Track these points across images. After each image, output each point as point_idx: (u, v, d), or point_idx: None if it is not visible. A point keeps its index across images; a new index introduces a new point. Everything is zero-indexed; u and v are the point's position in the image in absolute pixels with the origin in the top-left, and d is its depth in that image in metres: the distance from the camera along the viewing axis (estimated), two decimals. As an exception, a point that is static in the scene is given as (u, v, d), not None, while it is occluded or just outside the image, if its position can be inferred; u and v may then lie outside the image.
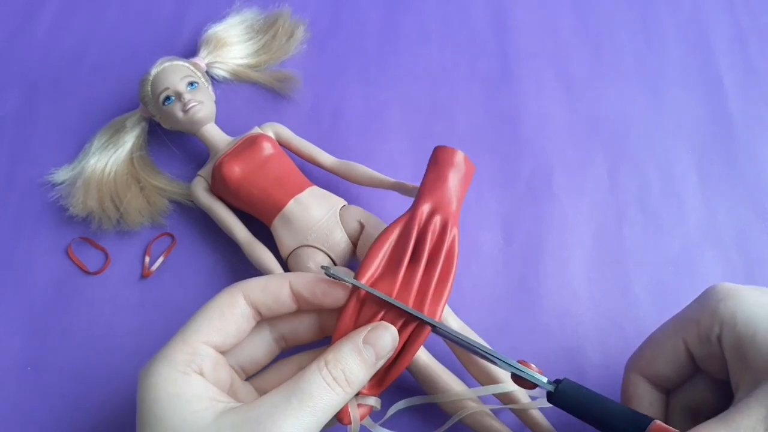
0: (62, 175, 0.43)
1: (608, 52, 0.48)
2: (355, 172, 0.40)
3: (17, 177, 0.44)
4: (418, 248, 0.31)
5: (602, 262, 0.41)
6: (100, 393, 0.37)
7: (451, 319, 0.36)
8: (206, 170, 0.41)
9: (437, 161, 0.34)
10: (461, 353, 0.35)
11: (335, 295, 0.29)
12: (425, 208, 0.32)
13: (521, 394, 0.34)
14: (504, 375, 0.34)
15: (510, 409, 0.34)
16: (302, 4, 0.50)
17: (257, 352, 0.30)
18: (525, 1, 0.51)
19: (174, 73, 0.41)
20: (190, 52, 0.47)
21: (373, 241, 0.32)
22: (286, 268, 0.38)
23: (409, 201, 0.40)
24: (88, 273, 0.41)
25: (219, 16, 0.48)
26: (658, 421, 0.27)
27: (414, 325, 0.29)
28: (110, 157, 0.42)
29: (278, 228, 0.38)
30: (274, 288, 0.29)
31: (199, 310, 0.28)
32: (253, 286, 0.29)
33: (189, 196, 0.42)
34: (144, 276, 0.40)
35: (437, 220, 0.32)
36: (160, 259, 0.41)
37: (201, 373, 0.27)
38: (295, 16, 0.49)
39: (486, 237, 0.41)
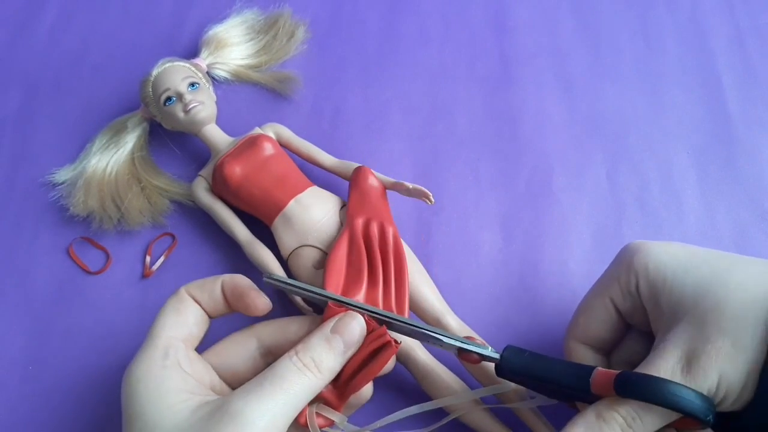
0: (63, 175, 0.43)
1: (608, 52, 0.48)
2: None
3: (18, 177, 0.44)
4: (370, 254, 0.35)
5: (602, 261, 0.40)
6: (101, 393, 0.37)
7: (450, 318, 0.36)
8: (207, 170, 0.41)
9: (357, 180, 0.39)
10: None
11: (254, 302, 0.30)
12: (360, 221, 0.36)
13: (522, 395, 0.34)
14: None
15: (512, 408, 0.34)
16: (303, 5, 0.50)
17: (240, 363, 0.30)
18: (525, 1, 0.51)
19: (175, 74, 0.41)
20: (191, 52, 0.47)
21: (327, 261, 0.35)
22: (287, 267, 0.38)
23: (410, 200, 0.40)
24: (89, 273, 0.41)
25: (220, 17, 0.48)
26: (599, 368, 0.28)
27: (380, 341, 0.29)
28: (111, 158, 0.42)
29: (279, 228, 0.38)
30: (209, 286, 0.30)
31: (158, 314, 0.30)
32: (193, 284, 0.31)
33: (190, 196, 0.42)
34: (145, 276, 0.41)
35: (374, 225, 0.36)
36: (161, 259, 0.41)
37: (179, 365, 0.28)
38: (296, 17, 0.49)
39: (486, 237, 0.41)
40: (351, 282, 0.34)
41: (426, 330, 0.30)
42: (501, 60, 0.48)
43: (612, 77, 0.47)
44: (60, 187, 0.43)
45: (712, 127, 0.45)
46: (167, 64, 0.42)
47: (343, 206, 0.39)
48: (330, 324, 0.29)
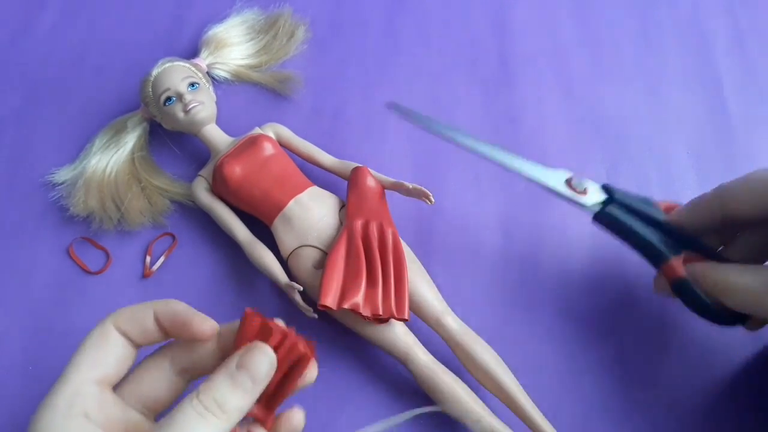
0: (63, 175, 0.43)
1: (608, 52, 0.48)
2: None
3: (18, 177, 0.44)
4: (368, 254, 0.35)
5: (602, 261, 0.41)
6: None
7: (450, 318, 0.36)
8: (207, 170, 0.41)
9: (355, 181, 0.39)
10: (461, 352, 0.35)
11: (200, 328, 0.27)
12: (359, 222, 0.36)
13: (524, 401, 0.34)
14: (507, 378, 0.34)
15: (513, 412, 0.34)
16: (303, 5, 0.50)
17: (159, 389, 0.28)
18: (525, 1, 0.51)
19: (175, 74, 0.41)
20: (191, 52, 0.47)
21: (326, 261, 0.35)
22: (287, 267, 0.38)
23: (410, 200, 0.40)
24: (89, 273, 0.41)
25: (220, 17, 0.48)
26: (673, 260, 0.33)
27: (294, 354, 0.27)
28: (111, 158, 0.42)
29: (279, 228, 0.38)
30: (140, 316, 0.28)
31: (77, 348, 0.27)
32: (121, 315, 0.28)
33: (190, 197, 0.42)
34: (145, 276, 0.41)
35: (373, 226, 0.36)
36: (161, 259, 0.41)
37: (86, 415, 0.26)
38: (296, 17, 0.49)
39: (486, 237, 0.41)
40: (349, 282, 0.35)
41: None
42: (501, 60, 0.48)
43: (612, 77, 0.47)
44: (60, 187, 0.43)
45: (711, 128, 0.45)
46: (167, 64, 0.42)
47: (343, 206, 0.39)
48: (234, 359, 0.26)
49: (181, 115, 0.41)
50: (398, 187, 0.39)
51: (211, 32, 0.46)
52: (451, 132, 0.38)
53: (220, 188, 0.40)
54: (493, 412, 0.34)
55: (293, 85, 0.46)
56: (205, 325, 0.27)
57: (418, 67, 0.48)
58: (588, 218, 0.35)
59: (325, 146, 0.42)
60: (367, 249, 0.36)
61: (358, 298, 0.34)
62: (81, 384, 0.26)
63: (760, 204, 0.31)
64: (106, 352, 0.27)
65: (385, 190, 0.40)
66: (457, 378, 0.35)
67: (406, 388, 0.37)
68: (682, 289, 0.33)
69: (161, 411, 0.28)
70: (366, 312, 0.34)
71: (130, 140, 0.43)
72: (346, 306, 0.34)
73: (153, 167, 0.43)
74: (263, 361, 0.25)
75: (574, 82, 0.47)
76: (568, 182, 0.36)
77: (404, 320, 0.34)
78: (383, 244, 0.36)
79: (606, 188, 0.36)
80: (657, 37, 0.49)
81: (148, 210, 0.41)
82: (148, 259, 0.41)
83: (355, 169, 0.39)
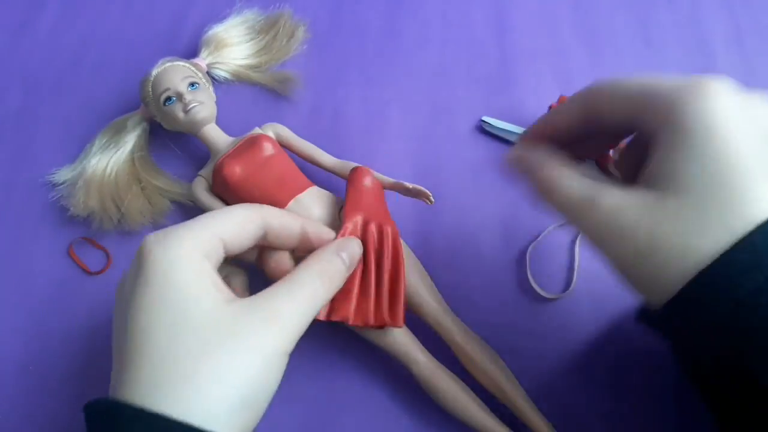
0: (63, 175, 0.43)
1: (607, 52, 0.48)
2: (355, 171, 0.41)
3: (18, 177, 0.44)
4: (364, 257, 0.35)
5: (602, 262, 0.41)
6: (101, 393, 0.37)
7: (450, 319, 0.36)
8: (207, 170, 0.41)
9: (353, 181, 0.38)
10: (461, 352, 0.35)
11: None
12: (358, 220, 0.36)
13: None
14: (504, 376, 0.34)
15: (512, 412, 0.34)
16: (303, 5, 0.50)
17: (246, 240, 0.30)
18: (525, 1, 0.51)
19: (175, 74, 0.41)
20: (191, 52, 0.47)
21: None
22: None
23: (410, 200, 0.40)
24: (89, 273, 0.41)
25: (220, 17, 0.48)
26: None
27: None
28: (111, 158, 0.42)
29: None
30: (288, 221, 0.31)
31: (221, 210, 0.30)
32: (273, 212, 0.31)
33: (190, 197, 0.42)
34: (145, 276, 0.40)
35: (372, 226, 0.35)
36: (161, 259, 0.41)
37: (215, 267, 0.28)
38: (296, 17, 0.49)
39: (486, 237, 0.41)
40: (340, 292, 0.33)
41: None
42: (501, 60, 0.48)
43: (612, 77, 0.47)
44: (60, 187, 0.43)
45: (712, 127, 0.45)
46: (167, 64, 0.42)
47: (342, 209, 0.39)
48: (336, 243, 0.32)
49: (181, 115, 0.41)
50: (398, 187, 0.39)
51: (211, 32, 0.46)
52: None
53: (220, 188, 0.40)
54: (492, 411, 0.34)
55: (293, 85, 0.46)
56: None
57: (418, 67, 0.48)
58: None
59: (325, 146, 0.42)
60: (363, 250, 0.35)
61: (349, 310, 0.33)
62: (217, 240, 0.28)
63: (625, 113, 0.27)
64: (242, 232, 0.29)
65: (385, 190, 0.40)
66: (457, 378, 0.35)
67: (407, 388, 0.37)
68: None
69: (232, 256, 0.30)
70: (357, 323, 0.33)
71: (130, 140, 0.43)
72: (334, 319, 0.33)
73: (153, 167, 0.43)
74: (356, 247, 0.33)
75: (574, 82, 0.47)
76: None
77: (398, 327, 0.34)
78: (381, 244, 0.35)
79: None
80: (657, 37, 0.49)
81: (148, 210, 0.42)
82: (148, 259, 0.41)
83: (354, 169, 0.39)
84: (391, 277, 0.35)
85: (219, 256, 0.29)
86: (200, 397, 0.24)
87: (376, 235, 0.35)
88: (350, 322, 0.33)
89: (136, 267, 0.27)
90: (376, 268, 0.35)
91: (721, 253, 0.23)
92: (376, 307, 0.34)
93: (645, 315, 0.28)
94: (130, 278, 0.27)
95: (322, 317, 0.33)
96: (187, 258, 0.26)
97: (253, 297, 0.27)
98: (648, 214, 0.24)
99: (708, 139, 0.24)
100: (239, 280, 0.32)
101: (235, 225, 0.29)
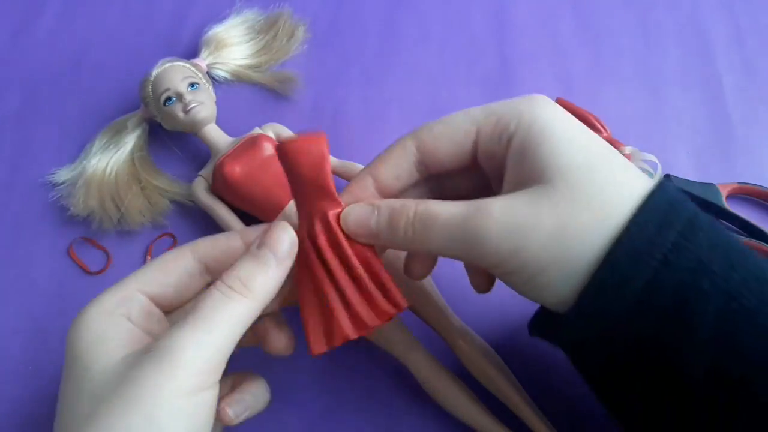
0: (63, 175, 0.43)
1: (607, 52, 0.48)
2: (355, 171, 0.40)
3: (18, 177, 0.44)
4: (327, 266, 0.28)
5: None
6: (101, 393, 0.37)
7: (450, 318, 0.36)
8: (207, 170, 0.41)
9: (287, 170, 0.28)
10: (461, 351, 0.35)
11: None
12: (303, 230, 0.28)
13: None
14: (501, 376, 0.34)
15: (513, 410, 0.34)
16: (303, 5, 0.50)
17: (182, 287, 0.28)
18: (525, 1, 0.51)
19: (175, 74, 0.41)
20: (191, 52, 0.47)
21: (299, 304, 0.29)
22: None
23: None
24: (89, 273, 0.41)
25: (220, 17, 0.48)
26: None
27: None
28: (111, 158, 0.42)
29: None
30: (225, 242, 0.28)
31: (150, 262, 0.28)
32: (203, 241, 0.28)
33: (190, 197, 0.42)
34: (145, 276, 0.40)
35: (316, 225, 0.28)
36: (161, 259, 0.41)
37: (129, 318, 0.26)
38: (296, 17, 0.49)
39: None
40: (326, 316, 0.28)
41: None
42: (501, 60, 0.48)
43: (612, 78, 0.47)
44: (60, 187, 0.43)
45: (711, 128, 0.45)
46: (167, 64, 0.42)
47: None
48: (256, 241, 0.26)
49: (181, 115, 0.41)
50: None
51: (211, 32, 0.46)
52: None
53: (220, 188, 0.40)
54: (492, 411, 0.34)
55: (293, 85, 0.46)
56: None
57: (418, 67, 0.48)
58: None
59: (325, 146, 0.42)
60: (322, 260, 0.28)
61: (344, 328, 0.28)
62: (133, 291, 0.27)
63: (458, 144, 0.27)
64: (170, 274, 0.27)
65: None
66: (457, 377, 0.35)
67: (407, 387, 0.37)
68: None
69: (173, 305, 0.28)
70: (362, 333, 0.28)
71: (130, 140, 0.43)
72: (335, 344, 0.28)
73: (153, 167, 0.43)
74: (282, 235, 0.26)
75: (574, 82, 0.47)
76: None
77: (402, 310, 0.29)
78: (334, 240, 0.28)
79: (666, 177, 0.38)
80: (657, 37, 0.49)
81: (148, 210, 0.41)
82: (148, 259, 0.41)
83: (282, 149, 0.27)
84: (366, 266, 0.28)
85: (144, 309, 0.27)
86: None
87: (324, 235, 0.28)
88: (354, 337, 0.28)
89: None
90: (345, 269, 0.28)
91: (629, 218, 0.24)
92: (371, 306, 0.28)
93: (540, 326, 0.28)
94: None
95: (319, 351, 0.28)
96: (89, 325, 0.25)
97: (156, 339, 0.24)
98: (541, 202, 0.24)
99: (567, 131, 0.25)
100: (283, 334, 0.29)
101: (158, 272, 0.27)
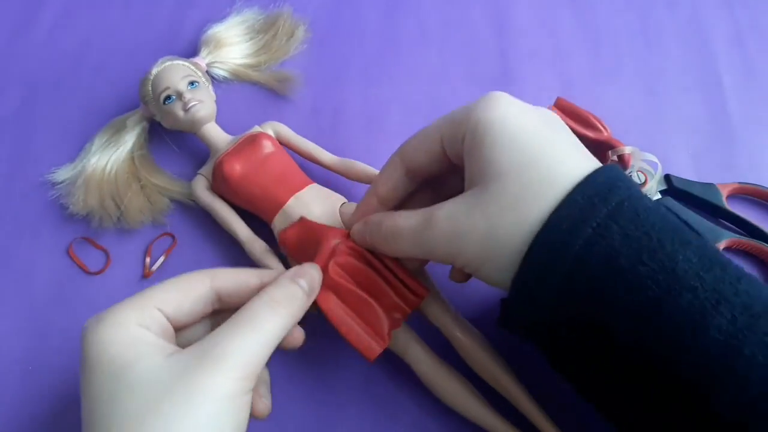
0: (63, 174, 0.43)
1: (607, 52, 0.48)
2: (355, 170, 0.40)
3: (18, 176, 0.44)
4: (358, 279, 0.33)
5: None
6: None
7: (450, 314, 0.36)
8: (207, 169, 0.41)
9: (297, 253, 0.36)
10: (461, 347, 0.35)
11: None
12: (322, 260, 0.33)
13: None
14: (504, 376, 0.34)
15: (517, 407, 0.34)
16: (303, 4, 0.50)
17: (192, 302, 0.29)
18: (525, 1, 0.51)
19: (174, 73, 0.41)
20: (191, 51, 0.47)
21: (334, 322, 0.32)
22: (287, 265, 0.38)
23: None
24: (88, 273, 0.41)
25: (220, 16, 0.48)
26: None
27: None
28: (111, 156, 0.42)
29: (279, 225, 0.38)
30: (243, 277, 0.30)
31: (167, 280, 0.29)
32: (224, 272, 0.30)
33: (190, 195, 0.42)
34: (145, 276, 0.40)
35: (339, 247, 0.33)
36: (161, 259, 0.41)
37: (147, 327, 0.27)
38: (296, 17, 0.49)
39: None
40: (369, 318, 0.33)
41: None
42: (501, 60, 0.48)
43: (612, 77, 0.47)
44: (59, 186, 0.43)
45: (712, 127, 0.45)
46: (167, 63, 0.42)
47: (343, 204, 0.39)
48: (292, 270, 0.30)
49: (180, 113, 0.41)
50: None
51: (210, 31, 0.46)
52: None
53: (220, 186, 0.40)
54: (491, 404, 0.34)
55: (292, 85, 0.46)
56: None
57: (418, 67, 0.48)
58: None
59: (325, 146, 0.42)
60: (351, 274, 0.33)
61: (383, 323, 0.32)
62: (151, 307, 0.27)
63: (430, 153, 0.31)
64: (187, 298, 0.28)
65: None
66: (459, 373, 0.35)
67: (408, 384, 0.37)
68: None
69: (181, 326, 0.29)
70: (402, 319, 0.33)
71: (130, 139, 0.43)
72: (390, 339, 0.33)
73: (152, 166, 0.43)
74: (314, 273, 0.31)
75: (574, 82, 0.47)
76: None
77: (427, 294, 0.33)
78: (354, 252, 0.33)
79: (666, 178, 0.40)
80: (657, 37, 0.49)
81: (148, 209, 0.41)
82: (147, 259, 0.41)
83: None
84: (386, 265, 0.33)
85: (162, 326, 0.27)
86: None
87: (346, 250, 0.33)
88: (398, 326, 0.33)
89: (81, 351, 0.26)
90: (374, 272, 0.33)
91: (548, 216, 0.26)
92: (399, 297, 0.33)
93: (507, 319, 0.30)
94: (80, 367, 0.27)
95: (377, 353, 0.32)
96: (117, 330, 0.26)
97: (200, 342, 0.26)
98: (477, 206, 0.27)
99: (505, 132, 0.27)
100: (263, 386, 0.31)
101: (177, 292, 0.28)
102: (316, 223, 0.36)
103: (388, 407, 0.36)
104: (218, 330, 0.26)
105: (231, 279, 0.29)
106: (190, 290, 0.28)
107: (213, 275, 0.29)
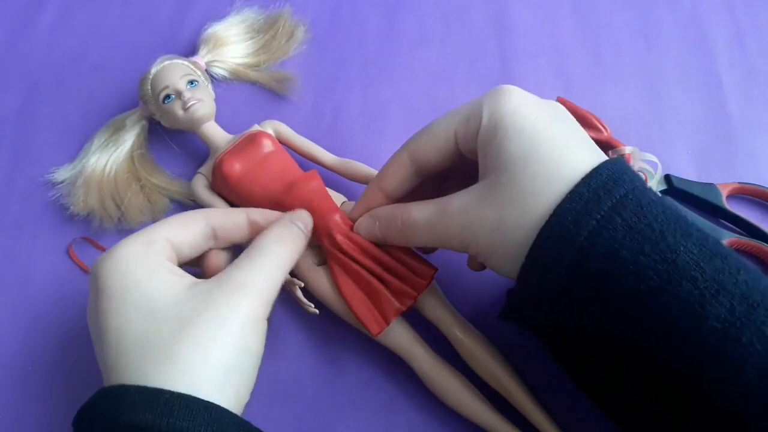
0: (63, 174, 0.43)
1: (608, 52, 0.48)
2: (355, 170, 0.40)
3: (18, 176, 0.44)
4: (360, 262, 0.34)
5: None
6: (101, 392, 0.37)
7: (450, 314, 0.36)
8: (206, 168, 0.41)
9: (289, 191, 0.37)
10: (462, 347, 0.35)
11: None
12: (327, 242, 0.35)
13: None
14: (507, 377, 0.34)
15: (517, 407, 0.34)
16: (303, 5, 0.50)
17: (194, 243, 0.31)
18: (525, 1, 0.51)
19: (174, 72, 0.41)
20: (191, 51, 0.47)
21: (343, 297, 0.35)
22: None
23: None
24: (89, 273, 0.41)
25: (219, 16, 0.48)
26: None
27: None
28: (110, 156, 0.42)
29: (278, 226, 0.38)
30: (233, 215, 0.33)
31: (167, 218, 0.31)
32: (214, 211, 0.33)
33: (190, 195, 0.42)
34: (144, 275, 0.40)
35: (336, 236, 0.35)
36: (161, 259, 0.41)
37: (163, 254, 0.29)
38: (296, 17, 0.49)
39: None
40: (375, 298, 0.34)
41: None
42: (501, 60, 0.48)
43: (612, 77, 0.47)
44: (59, 186, 0.43)
45: (712, 127, 0.45)
46: (166, 62, 0.42)
47: (343, 203, 0.39)
48: (289, 214, 0.33)
49: (180, 112, 0.41)
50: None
51: (210, 30, 0.46)
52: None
53: (220, 185, 0.40)
54: (494, 405, 0.34)
55: (291, 85, 0.46)
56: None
57: (418, 67, 0.48)
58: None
59: (325, 146, 0.42)
60: (353, 259, 0.35)
61: (392, 304, 0.34)
62: (159, 240, 0.29)
63: (442, 150, 0.31)
64: (188, 231, 0.31)
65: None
66: (459, 373, 0.35)
67: (409, 383, 0.37)
68: None
69: (183, 260, 0.31)
70: (411, 303, 0.34)
71: (129, 138, 0.43)
72: (393, 319, 0.34)
73: (152, 165, 0.43)
74: (306, 216, 0.34)
75: (574, 82, 0.47)
76: None
77: (435, 273, 0.35)
78: (357, 243, 0.35)
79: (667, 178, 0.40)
80: (657, 37, 0.49)
81: (148, 208, 0.41)
82: (147, 258, 0.41)
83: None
84: (387, 252, 0.35)
85: (171, 257, 0.29)
86: (186, 372, 0.25)
87: (346, 239, 0.35)
88: (405, 310, 0.34)
89: (95, 287, 0.28)
90: (374, 261, 0.35)
91: (554, 209, 0.26)
92: (406, 281, 0.34)
93: (512, 311, 0.30)
94: (92, 301, 0.28)
95: (380, 329, 0.34)
96: (136, 260, 0.28)
97: (218, 274, 0.28)
98: (487, 197, 0.28)
99: (516, 125, 0.28)
100: (223, 256, 0.33)
101: (179, 226, 0.30)
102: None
103: (388, 408, 0.36)
104: (235, 263, 0.29)
105: (222, 215, 0.32)
106: (190, 223, 0.31)
107: (206, 213, 0.32)
